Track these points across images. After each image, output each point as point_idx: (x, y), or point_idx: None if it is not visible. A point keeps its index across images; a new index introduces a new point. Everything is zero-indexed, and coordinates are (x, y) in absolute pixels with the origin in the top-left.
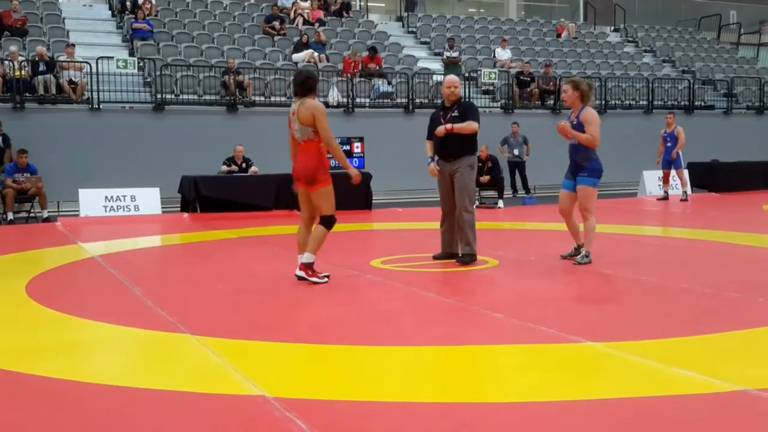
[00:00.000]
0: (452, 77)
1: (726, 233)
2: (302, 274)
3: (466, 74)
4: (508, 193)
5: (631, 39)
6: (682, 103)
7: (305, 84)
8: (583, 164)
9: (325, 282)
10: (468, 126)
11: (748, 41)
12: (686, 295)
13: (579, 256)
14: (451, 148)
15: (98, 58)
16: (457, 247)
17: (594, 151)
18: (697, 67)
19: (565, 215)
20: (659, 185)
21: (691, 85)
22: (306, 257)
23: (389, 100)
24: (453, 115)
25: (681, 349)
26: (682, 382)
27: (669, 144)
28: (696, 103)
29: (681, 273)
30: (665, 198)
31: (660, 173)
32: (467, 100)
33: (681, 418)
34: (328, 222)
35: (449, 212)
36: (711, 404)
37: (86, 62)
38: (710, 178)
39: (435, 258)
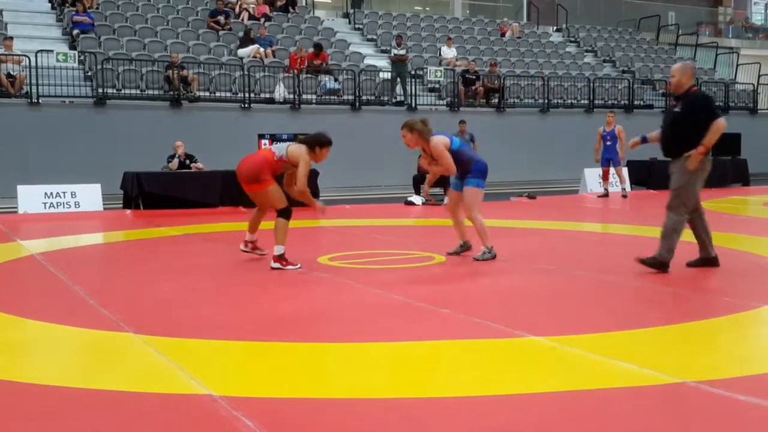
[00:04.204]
0: (678, 65)
1: None
2: (277, 265)
3: (413, 72)
4: None
5: (572, 39)
6: (622, 103)
7: (313, 140)
8: (468, 168)
9: (298, 268)
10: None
11: (686, 42)
12: (626, 289)
13: (480, 254)
14: (671, 145)
15: (37, 51)
16: (706, 251)
17: (474, 158)
18: (637, 67)
19: (452, 214)
20: (600, 183)
21: (631, 85)
22: (276, 250)
23: (336, 97)
24: (674, 110)
25: (622, 343)
26: (623, 375)
27: (609, 142)
28: (635, 102)
29: (621, 268)
30: (605, 195)
31: (600, 170)
32: (699, 91)
33: (622, 409)
34: (283, 213)
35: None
36: (651, 396)
37: (25, 55)
38: (649, 175)
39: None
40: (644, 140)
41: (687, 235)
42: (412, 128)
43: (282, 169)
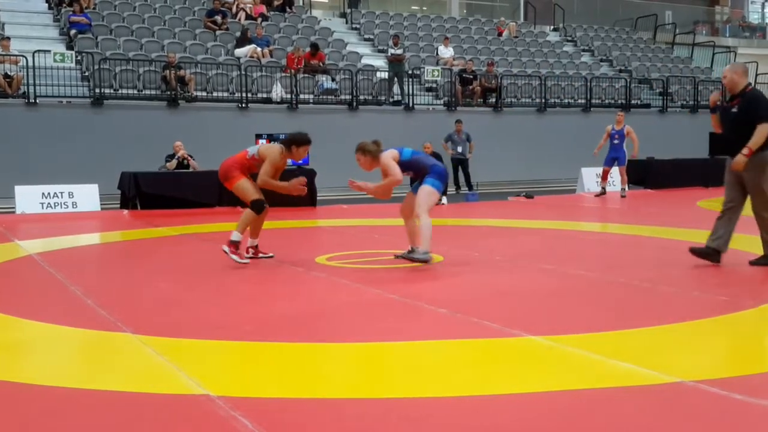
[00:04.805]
0: (728, 66)
1: (662, 228)
2: (226, 249)
3: (410, 71)
4: (451, 189)
5: (569, 38)
6: (619, 102)
7: (290, 140)
8: (426, 171)
9: (246, 263)
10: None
11: (683, 41)
12: (625, 289)
13: (418, 253)
14: (736, 145)
15: (35, 52)
16: (724, 245)
17: (430, 163)
18: (634, 67)
19: (404, 215)
20: (597, 182)
21: (628, 84)
22: (233, 235)
23: (333, 97)
24: (732, 110)
25: (620, 342)
26: (620, 375)
27: (616, 141)
28: (632, 101)
29: (619, 267)
30: (602, 194)
31: (598, 170)
32: (754, 89)
33: (619, 409)
34: (253, 206)
35: (730, 205)
36: (648, 396)
37: (22, 56)
38: (647, 174)
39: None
40: (714, 110)
41: (688, 235)
42: (365, 151)
43: (256, 167)
